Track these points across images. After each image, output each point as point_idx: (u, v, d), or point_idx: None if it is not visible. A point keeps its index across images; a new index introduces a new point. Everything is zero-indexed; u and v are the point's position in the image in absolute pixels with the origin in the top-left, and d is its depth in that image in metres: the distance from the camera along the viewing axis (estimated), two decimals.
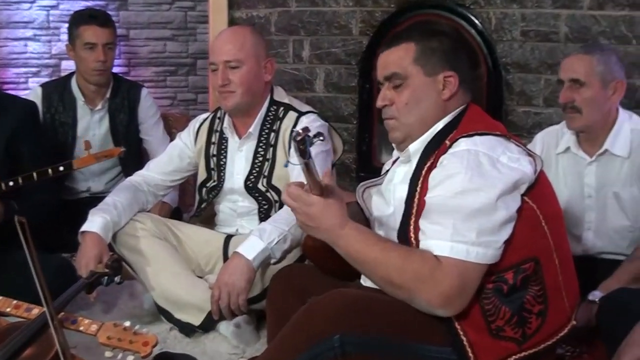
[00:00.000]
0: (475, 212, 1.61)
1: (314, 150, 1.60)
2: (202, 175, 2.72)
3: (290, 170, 2.50)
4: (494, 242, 1.62)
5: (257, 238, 2.31)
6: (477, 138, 1.70)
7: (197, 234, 2.66)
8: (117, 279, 2.14)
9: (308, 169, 1.63)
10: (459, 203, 1.62)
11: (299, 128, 1.56)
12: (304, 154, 1.57)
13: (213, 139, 2.70)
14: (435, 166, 1.73)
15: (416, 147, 1.84)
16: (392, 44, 1.88)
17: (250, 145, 2.63)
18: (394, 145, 1.95)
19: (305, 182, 1.72)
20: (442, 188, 1.67)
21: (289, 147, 2.55)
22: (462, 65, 1.86)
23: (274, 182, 2.58)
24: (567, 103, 2.48)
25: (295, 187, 1.74)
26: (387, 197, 1.91)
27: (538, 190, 1.71)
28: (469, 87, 1.87)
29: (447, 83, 1.83)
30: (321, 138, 1.58)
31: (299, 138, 1.54)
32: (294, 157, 1.59)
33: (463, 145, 1.70)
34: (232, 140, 2.66)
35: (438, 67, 1.83)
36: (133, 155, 3.25)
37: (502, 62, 3.50)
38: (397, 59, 1.85)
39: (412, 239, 1.70)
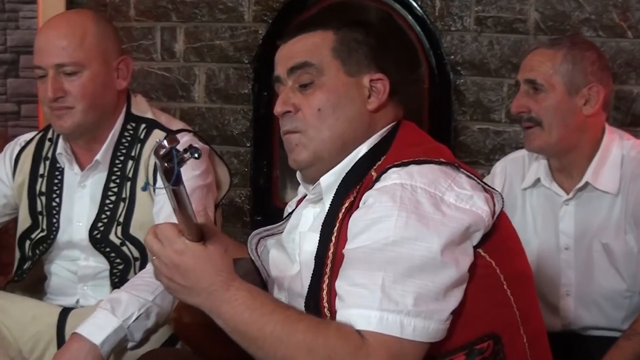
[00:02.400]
0: (412, 270, 1.62)
1: (185, 175, 1.59)
2: (24, 223, 2.68)
3: (155, 214, 2.49)
4: (438, 312, 1.63)
5: (107, 313, 2.28)
6: (413, 168, 1.73)
7: (17, 307, 2.59)
8: None
9: (177, 198, 1.60)
10: (389, 257, 1.63)
11: (161, 139, 1.54)
12: (169, 174, 1.54)
13: (41, 171, 2.67)
14: (357, 206, 1.74)
15: (330, 180, 1.85)
16: (301, 31, 1.91)
17: (97, 179, 2.61)
18: (298, 175, 1.96)
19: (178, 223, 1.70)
20: (366, 237, 1.67)
21: (155, 181, 2.53)
22: (393, 67, 1.90)
23: (133, 231, 2.57)
24: (521, 113, 2.52)
25: (168, 225, 1.73)
26: (290, 251, 1.92)
27: (497, 239, 1.74)
28: (402, 98, 1.91)
29: (374, 89, 1.87)
30: (196, 155, 1.56)
31: (162, 152, 1.52)
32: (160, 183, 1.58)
33: (395, 177, 1.71)
34: (71, 172, 2.64)
35: (363, 67, 1.87)
36: None
37: (449, 61, 3.58)
38: (310, 45, 1.88)
39: (326, 309, 1.70)
